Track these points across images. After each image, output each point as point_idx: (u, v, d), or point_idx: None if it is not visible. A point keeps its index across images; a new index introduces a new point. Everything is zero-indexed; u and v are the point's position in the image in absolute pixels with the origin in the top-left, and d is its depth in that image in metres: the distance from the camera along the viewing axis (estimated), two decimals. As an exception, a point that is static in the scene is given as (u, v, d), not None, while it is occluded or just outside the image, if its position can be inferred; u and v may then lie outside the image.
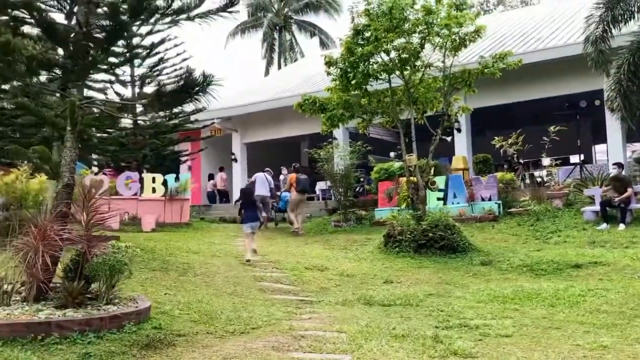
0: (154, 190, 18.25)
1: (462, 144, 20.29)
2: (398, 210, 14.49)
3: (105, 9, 6.67)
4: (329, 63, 13.49)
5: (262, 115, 24.41)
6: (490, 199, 16.18)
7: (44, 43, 6.81)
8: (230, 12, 6.88)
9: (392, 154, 18.09)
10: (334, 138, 20.79)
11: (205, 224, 19.21)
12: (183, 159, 22.38)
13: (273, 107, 23.43)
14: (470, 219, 15.69)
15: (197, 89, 7.27)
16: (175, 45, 19.92)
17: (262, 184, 18.54)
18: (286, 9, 47.03)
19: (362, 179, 20.95)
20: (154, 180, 18.36)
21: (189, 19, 7.27)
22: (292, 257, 12.23)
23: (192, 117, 22.34)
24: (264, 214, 17.88)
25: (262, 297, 8.64)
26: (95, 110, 10.34)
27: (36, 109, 8.64)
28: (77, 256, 6.69)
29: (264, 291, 9.08)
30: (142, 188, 18.28)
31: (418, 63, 13.45)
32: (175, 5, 6.77)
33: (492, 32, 22.98)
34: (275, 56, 46.73)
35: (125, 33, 7.35)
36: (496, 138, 16.28)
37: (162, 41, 19.11)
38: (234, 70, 65.19)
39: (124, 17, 6.52)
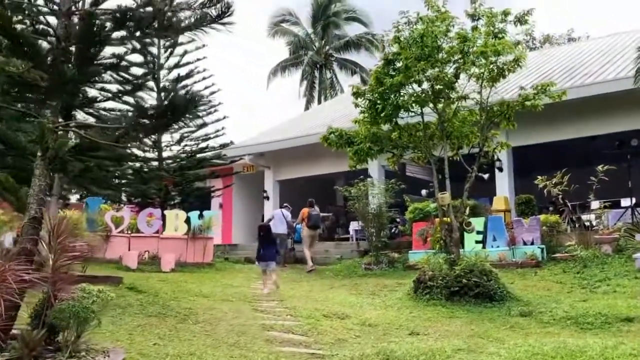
0: (176, 228, 17.54)
1: (503, 183, 19.20)
2: (433, 253, 13.43)
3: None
4: (357, 94, 12.67)
5: (295, 152, 23.65)
6: (532, 243, 15.02)
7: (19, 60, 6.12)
8: (223, 24, 6.08)
9: (423, 192, 17.14)
10: (369, 176, 19.91)
11: (229, 264, 18.41)
12: (213, 195, 21.64)
13: (307, 143, 22.64)
14: (510, 264, 14.56)
15: (182, 110, 6.44)
16: (204, 78, 19.55)
17: (280, 221, 18.58)
18: (327, 47, 46.75)
19: (397, 219, 20.03)
20: (176, 217, 17.68)
21: (177, 32, 6.52)
22: (312, 303, 11.28)
23: (224, 153, 21.93)
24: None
25: (267, 350, 7.68)
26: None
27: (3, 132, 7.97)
28: (43, 301, 5.88)
29: (271, 342, 8.12)
30: (164, 225, 17.61)
31: (453, 95, 12.52)
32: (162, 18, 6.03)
33: (537, 67, 22.03)
34: (316, 94, 46.34)
35: (107, 48, 6.55)
36: (539, 177, 15.16)
37: (189, 74, 18.78)
38: (275, 108, 65.05)
39: (104, 29, 5.80)
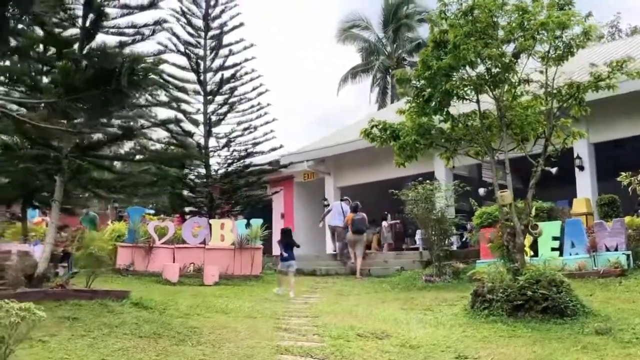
0: (222, 238, 16.51)
1: (585, 184, 17.30)
2: (501, 262, 11.78)
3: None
4: (401, 81, 11.25)
5: (357, 156, 22.23)
6: (616, 249, 13.11)
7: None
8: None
9: (481, 191, 15.45)
10: (435, 179, 18.33)
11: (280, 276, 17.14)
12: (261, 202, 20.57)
13: (369, 146, 21.24)
14: (591, 273, 12.77)
15: (114, 78, 5.23)
16: (252, 79, 18.57)
17: (338, 213, 18.83)
18: (399, 51, 45.29)
19: (467, 226, 18.38)
20: (222, 226, 16.65)
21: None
22: (350, 320, 9.89)
23: (279, 159, 20.93)
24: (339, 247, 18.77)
25: (269, 379, 6.37)
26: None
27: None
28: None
29: (280, 368, 6.79)
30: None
31: (513, 79, 10.90)
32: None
33: (621, 55, 19.92)
34: (388, 99, 44.86)
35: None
36: (623, 174, 13.26)
37: (233, 76, 17.88)
38: (346, 116, 63.98)
39: None
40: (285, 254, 14.01)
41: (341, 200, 19.79)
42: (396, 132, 11.53)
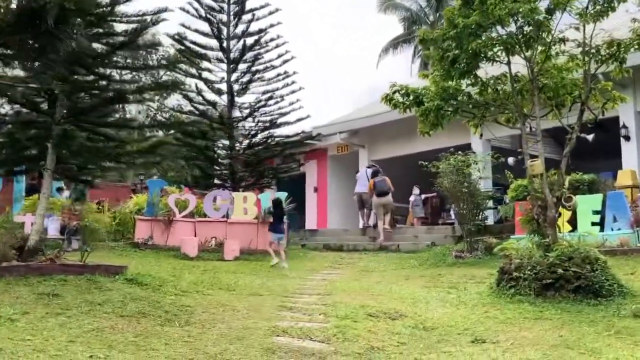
0: (245, 211, 15.99)
1: (631, 155, 16.23)
2: (524, 237, 10.97)
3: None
4: (424, 41, 10.43)
5: (392, 127, 21.37)
6: (663, 224, 12.15)
7: None
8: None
9: (510, 160, 14.51)
10: (472, 151, 17.42)
11: (305, 251, 16.75)
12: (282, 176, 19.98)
13: (403, 117, 20.39)
14: (634, 250, 11.87)
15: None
16: (277, 46, 17.90)
17: (363, 179, 18.56)
18: (442, 20, 43.83)
19: (505, 200, 17.48)
20: (245, 199, 16.12)
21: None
22: (364, 298, 9.25)
23: (312, 131, 20.32)
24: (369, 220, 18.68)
25: (256, 364, 5.78)
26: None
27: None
28: None
29: (272, 352, 6.19)
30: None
31: (548, 38, 9.97)
32: None
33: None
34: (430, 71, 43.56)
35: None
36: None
37: (257, 42, 17.24)
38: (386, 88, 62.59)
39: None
40: (275, 226, 14.14)
41: (367, 167, 19.14)
42: (419, 97, 10.72)
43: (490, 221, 17.61)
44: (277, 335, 6.78)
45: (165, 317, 6.85)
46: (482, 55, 10.08)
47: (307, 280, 11.31)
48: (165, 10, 8.96)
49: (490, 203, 17.06)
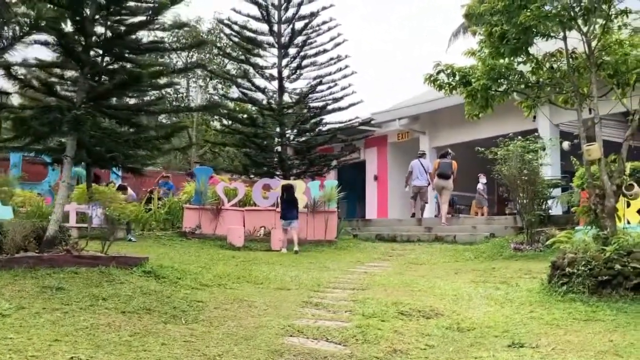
0: (293, 200, 15.55)
1: None
2: (581, 229, 10.11)
3: None
4: (470, 16, 9.67)
5: (455, 112, 20.34)
6: None
7: None
8: None
9: (565, 145, 13.49)
10: (536, 136, 16.46)
11: (356, 242, 16.21)
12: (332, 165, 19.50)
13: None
14: None
15: None
16: (329, 29, 17.32)
17: (419, 172, 18.29)
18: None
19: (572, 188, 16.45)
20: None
21: None
22: (401, 293, 8.66)
23: (369, 117, 19.74)
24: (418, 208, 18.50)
25: (258, 370, 5.30)
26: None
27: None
28: None
29: (280, 355, 5.67)
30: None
31: (611, 10, 9.06)
32: None
33: None
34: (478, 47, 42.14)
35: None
36: None
37: (307, 25, 16.71)
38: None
39: None
40: (285, 213, 14.24)
41: (419, 157, 18.54)
42: (466, 77, 9.96)
43: (559, 211, 16.63)
44: (290, 335, 6.26)
45: (171, 314, 6.43)
46: (534, 30, 9.24)
47: (347, 273, 10.76)
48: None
49: (558, 191, 16.07)
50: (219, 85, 28.45)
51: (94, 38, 8.43)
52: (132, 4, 8.41)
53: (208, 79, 28.70)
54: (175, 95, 29.88)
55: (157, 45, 9.11)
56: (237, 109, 22.88)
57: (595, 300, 7.86)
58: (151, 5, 8.45)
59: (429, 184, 18.17)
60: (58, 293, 6.55)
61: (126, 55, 8.64)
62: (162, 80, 9.75)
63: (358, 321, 6.85)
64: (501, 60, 9.71)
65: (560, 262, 8.62)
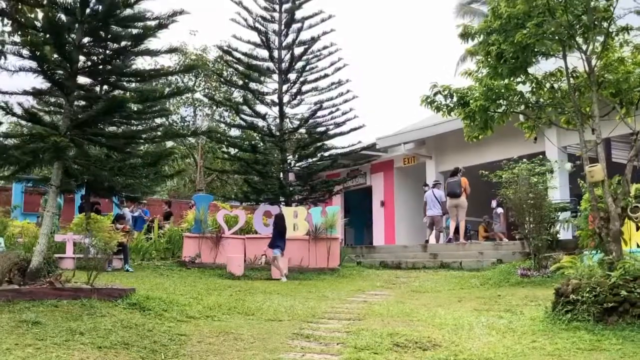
0: (294, 227, 15.31)
1: None
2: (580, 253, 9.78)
3: None
4: (466, 35, 9.46)
5: (460, 136, 20.16)
6: None
7: None
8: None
9: (567, 166, 13.17)
10: (546, 160, 16.15)
11: (359, 269, 15.88)
12: (336, 190, 19.31)
13: (472, 125, 19.34)
14: None
15: None
16: (330, 53, 17.23)
17: (432, 203, 18.24)
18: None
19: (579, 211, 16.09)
20: (295, 214, 15.46)
21: None
22: (399, 324, 8.34)
23: (375, 142, 19.57)
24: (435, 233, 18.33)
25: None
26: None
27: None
28: None
29: (262, 391, 5.38)
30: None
31: (611, 28, 8.84)
32: None
33: None
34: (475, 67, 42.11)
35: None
36: None
37: (309, 51, 16.65)
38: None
39: None
40: (278, 243, 14.05)
41: (432, 186, 18.59)
42: (464, 98, 9.72)
43: (568, 235, 16.25)
44: (274, 370, 5.98)
45: (150, 349, 6.15)
46: (533, 49, 9.01)
47: (345, 302, 10.45)
48: (181, 12, 8.43)
49: (567, 215, 15.72)
50: (225, 113, 28.43)
51: (80, 64, 8.26)
52: (117, 28, 8.26)
53: (214, 107, 28.72)
54: (182, 124, 29.89)
55: (141, 71, 8.89)
56: (244, 135, 22.84)
57: (600, 329, 7.53)
58: (138, 31, 8.28)
59: (442, 214, 18.17)
60: (34, 328, 6.29)
61: (112, 81, 8.47)
62: (154, 107, 9.57)
63: (349, 354, 6.55)
64: (500, 81, 9.47)
65: (564, 289, 8.29)
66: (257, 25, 17.56)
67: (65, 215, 17.22)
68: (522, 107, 9.76)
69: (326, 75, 17.89)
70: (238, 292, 10.76)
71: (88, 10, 8.11)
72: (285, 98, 18.10)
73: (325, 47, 17.81)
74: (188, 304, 8.61)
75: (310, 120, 18.07)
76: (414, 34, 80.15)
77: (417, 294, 11.78)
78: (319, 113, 18.12)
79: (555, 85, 9.55)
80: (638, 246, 11.05)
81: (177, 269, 14.20)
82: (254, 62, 18.00)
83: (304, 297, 10.82)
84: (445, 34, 77.62)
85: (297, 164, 18.01)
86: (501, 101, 9.53)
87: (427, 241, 18.60)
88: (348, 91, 18.06)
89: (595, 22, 8.72)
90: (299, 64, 17.84)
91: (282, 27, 17.92)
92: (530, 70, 9.49)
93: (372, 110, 54.76)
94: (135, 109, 8.64)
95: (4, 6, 7.59)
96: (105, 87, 8.68)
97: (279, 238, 14.06)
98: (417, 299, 11.05)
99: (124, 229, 13.62)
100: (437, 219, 18.36)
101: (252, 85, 18.36)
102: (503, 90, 9.42)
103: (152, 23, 8.08)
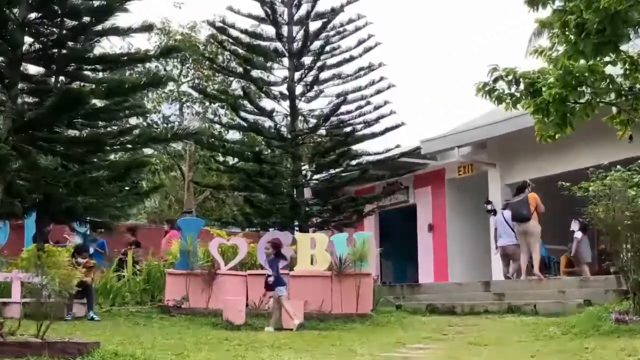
0: (312, 260, 15.39)
1: None
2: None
3: None
4: (533, 2, 9.45)
5: (533, 137, 20.20)
6: None
7: None
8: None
9: None
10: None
11: (399, 315, 15.98)
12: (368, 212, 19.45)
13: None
14: None
15: None
16: (357, 29, 17.42)
17: (502, 228, 18.35)
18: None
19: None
20: (313, 242, 15.55)
21: None
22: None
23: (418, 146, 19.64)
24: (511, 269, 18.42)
25: None
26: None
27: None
28: None
29: None
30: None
31: None
32: None
33: None
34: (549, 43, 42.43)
35: None
36: None
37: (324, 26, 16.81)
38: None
39: None
40: (275, 276, 14.07)
41: (503, 207, 18.78)
42: (535, 84, 9.70)
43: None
44: None
45: None
46: (625, 18, 8.97)
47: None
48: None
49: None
50: (220, 111, 28.62)
51: (25, 47, 8.36)
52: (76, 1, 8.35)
53: (206, 103, 28.95)
54: (165, 125, 30.13)
55: (108, 56, 8.95)
56: (246, 140, 23.00)
57: None
58: (101, 2, 8.36)
59: (517, 244, 18.06)
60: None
61: (70, 70, 8.55)
62: (126, 102, 9.64)
63: None
64: (581, 61, 9.44)
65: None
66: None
67: (11, 247, 17.35)
68: (612, 95, 9.73)
69: (352, 58, 18.03)
70: (237, 347, 10.78)
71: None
72: (298, 89, 18.22)
73: (350, 21, 17.93)
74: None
75: (332, 118, 18.16)
76: (466, 12, 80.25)
77: (475, 349, 11.73)
78: (343, 108, 18.20)
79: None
80: None
81: (158, 316, 14.29)
82: (257, 42, 18.13)
83: (324, 352, 10.82)
84: (511, 6, 77.61)
85: (315, 176, 18.10)
86: (584, 88, 9.52)
87: (508, 277, 18.58)
88: (382, 79, 18.12)
89: None
90: (316, 44, 17.95)
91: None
92: (623, 47, 9.48)
93: (413, 107, 54.71)
94: (102, 105, 8.67)
95: None
96: (62, 78, 8.72)
97: (275, 272, 14.09)
98: (476, 355, 11.00)
99: (87, 263, 13.71)
100: (510, 249, 18.39)
101: (255, 73, 18.42)
102: (586, 74, 9.41)
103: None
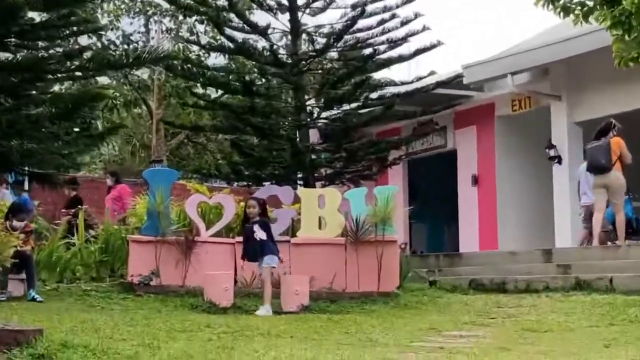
0: (320, 222, 15.53)
1: None
2: None
3: None
4: None
5: (609, 60, 20.23)
6: None
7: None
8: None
9: None
10: None
11: (434, 293, 16.26)
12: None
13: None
14: None
15: None
16: None
17: (586, 183, 18.85)
18: None
19: None
20: (322, 199, 15.74)
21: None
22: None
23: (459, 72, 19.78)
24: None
25: None
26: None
27: None
28: None
29: None
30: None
31: None
32: None
33: None
34: None
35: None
36: None
37: None
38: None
39: None
40: (273, 246, 14.18)
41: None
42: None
43: None
44: None
45: None
46: None
47: (407, 350, 10.57)
48: None
49: None
50: (199, 27, 28.72)
51: None
52: None
53: (180, 17, 28.98)
54: (125, 46, 30.22)
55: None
56: (232, 66, 23.12)
57: None
58: None
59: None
60: None
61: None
62: (72, 16, 9.69)
63: None
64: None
65: None
66: None
67: None
68: None
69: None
70: (223, 336, 10.91)
71: None
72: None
73: None
74: (135, 355, 8.79)
75: (346, 36, 18.19)
76: None
77: (532, 335, 11.91)
78: (361, 23, 18.19)
79: None
80: None
81: (120, 296, 14.43)
82: None
83: (336, 342, 10.96)
84: None
85: (324, 114, 18.20)
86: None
87: (584, 243, 18.76)
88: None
89: None
90: None
91: None
92: None
93: (453, 25, 54.65)
94: (41, 20, 8.69)
95: None
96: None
97: (272, 238, 14.32)
98: (533, 345, 11.17)
99: (26, 228, 13.84)
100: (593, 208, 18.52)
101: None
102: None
103: None
